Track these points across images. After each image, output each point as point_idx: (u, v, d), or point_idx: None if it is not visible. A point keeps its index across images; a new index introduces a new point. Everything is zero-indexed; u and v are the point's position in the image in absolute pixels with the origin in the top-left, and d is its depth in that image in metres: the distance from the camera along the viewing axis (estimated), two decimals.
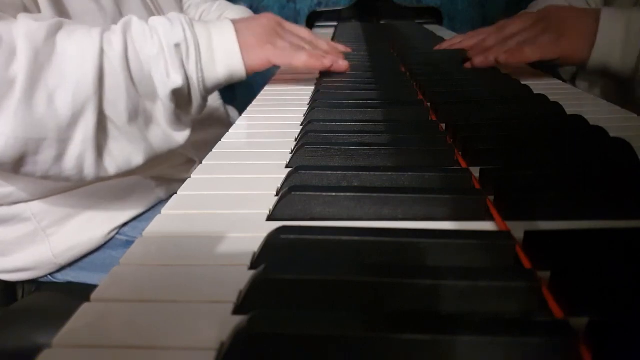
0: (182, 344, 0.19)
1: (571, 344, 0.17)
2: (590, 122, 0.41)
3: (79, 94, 0.46)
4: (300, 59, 0.58)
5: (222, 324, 0.20)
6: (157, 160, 0.67)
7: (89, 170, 0.49)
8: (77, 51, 0.46)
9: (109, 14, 0.62)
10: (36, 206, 0.60)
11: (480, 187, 0.31)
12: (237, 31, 0.54)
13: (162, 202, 0.68)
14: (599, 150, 0.36)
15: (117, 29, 0.49)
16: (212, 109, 0.81)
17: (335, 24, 1.51)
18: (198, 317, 0.20)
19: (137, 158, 0.52)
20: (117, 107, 0.48)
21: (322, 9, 1.61)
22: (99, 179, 0.50)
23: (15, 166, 0.46)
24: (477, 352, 0.17)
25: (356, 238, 0.24)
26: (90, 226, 0.62)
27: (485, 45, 0.67)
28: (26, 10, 0.53)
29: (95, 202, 0.62)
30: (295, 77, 0.71)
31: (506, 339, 0.17)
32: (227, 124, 0.83)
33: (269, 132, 0.46)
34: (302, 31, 0.65)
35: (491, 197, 0.29)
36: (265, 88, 0.66)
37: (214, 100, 0.84)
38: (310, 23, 1.60)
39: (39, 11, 0.54)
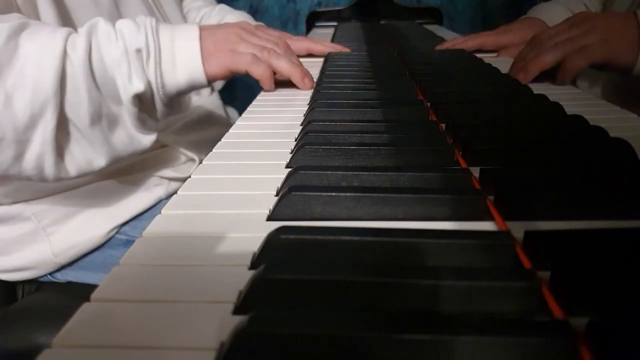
0: (181, 344, 0.19)
1: (571, 344, 0.17)
2: (590, 122, 0.41)
3: (37, 96, 0.45)
4: (257, 71, 0.57)
5: (222, 324, 0.20)
6: (154, 161, 0.68)
7: (49, 170, 0.49)
8: (38, 53, 0.46)
9: (105, 8, 0.62)
10: (36, 205, 0.60)
11: (480, 187, 0.31)
12: (201, 38, 0.54)
13: (162, 201, 0.68)
14: (599, 150, 0.36)
15: (82, 31, 0.49)
16: (212, 109, 0.81)
17: (335, 24, 1.52)
18: (198, 317, 0.20)
19: (99, 160, 0.52)
20: (78, 109, 0.48)
21: (322, 9, 1.61)
22: (60, 179, 0.51)
23: None
24: (477, 352, 0.17)
25: (356, 238, 0.24)
26: (90, 225, 0.62)
27: (528, 57, 0.61)
28: (23, 7, 0.53)
29: (95, 201, 0.62)
30: None
31: (506, 339, 0.17)
32: (227, 124, 0.83)
33: (269, 132, 0.46)
34: (277, 41, 0.61)
35: (491, 197, 0.29)
36: None
37: (214, 100, 0.84)
38: (310, 23, 1.60)
39: (36, 7, 0.54)
